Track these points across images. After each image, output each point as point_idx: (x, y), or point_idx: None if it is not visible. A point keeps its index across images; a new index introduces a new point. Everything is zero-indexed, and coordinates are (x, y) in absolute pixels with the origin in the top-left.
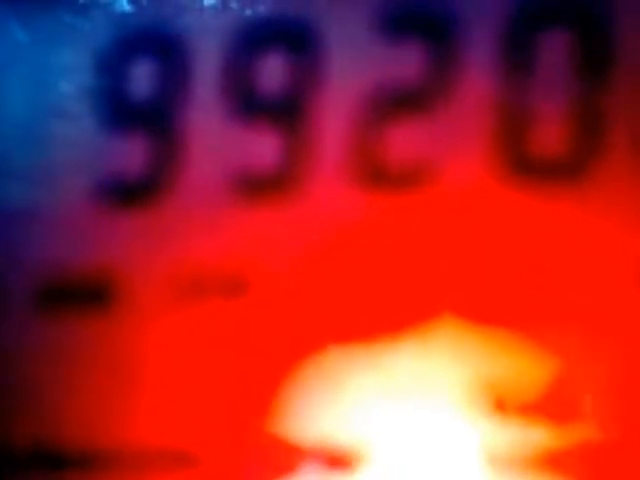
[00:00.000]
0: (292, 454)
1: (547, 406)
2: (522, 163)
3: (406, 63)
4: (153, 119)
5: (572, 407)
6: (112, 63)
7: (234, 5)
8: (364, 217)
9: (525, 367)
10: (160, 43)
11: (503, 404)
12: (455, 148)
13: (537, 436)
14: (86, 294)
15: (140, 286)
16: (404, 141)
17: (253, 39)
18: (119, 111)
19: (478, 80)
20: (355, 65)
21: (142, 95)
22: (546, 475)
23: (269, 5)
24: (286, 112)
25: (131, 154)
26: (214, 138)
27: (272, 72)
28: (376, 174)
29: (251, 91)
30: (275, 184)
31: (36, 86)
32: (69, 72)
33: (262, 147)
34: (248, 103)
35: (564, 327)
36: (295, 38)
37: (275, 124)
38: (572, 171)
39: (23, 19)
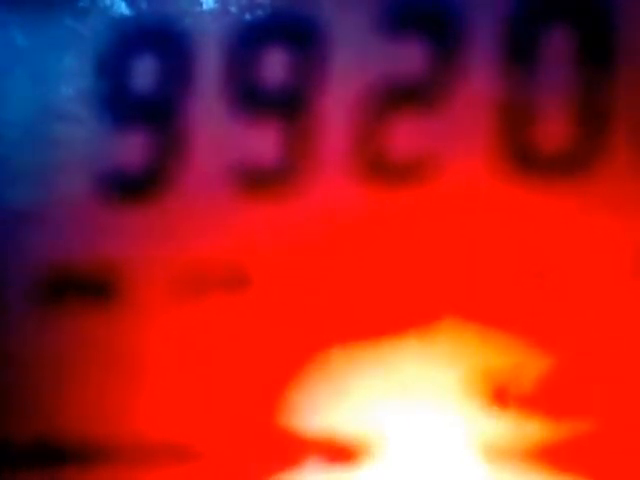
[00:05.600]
0: (295, 448)
1: (545, 399)
2: (524, 158)
3: (409, 58)
4: (156, 114)
5: (570, 400)
6: (115, 59)
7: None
8: (367, 211)
9: (524, 360)
10: (163, 38)
11: (502, 397)
12: (458, 143)
13: (535, 429)
14: (89, 288)
15: (143, 280)
16: (407, 136)
17: (256, 34)
18: (122, 107)
19: (481, 75)
20: (358, 60)
21: (145, 90)
22: (544, 468)
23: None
24: (289, 106)
25: (134, 150)
26: (217, 133)
27: (275, 67)
28: (379, 168)
29: (254, 86)
30: (278, 178)
31: (41, 84)
32: (73, 70)
33: (265, 141)
34: (251, 97)
35: (564, 321)
36: (298, 32)
37: (278, 118)
38: (574, 167)
39: (22, 21)
